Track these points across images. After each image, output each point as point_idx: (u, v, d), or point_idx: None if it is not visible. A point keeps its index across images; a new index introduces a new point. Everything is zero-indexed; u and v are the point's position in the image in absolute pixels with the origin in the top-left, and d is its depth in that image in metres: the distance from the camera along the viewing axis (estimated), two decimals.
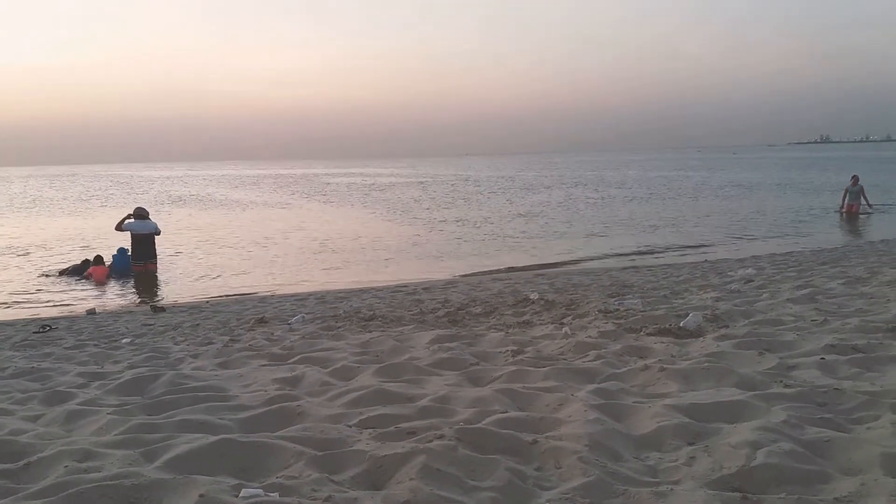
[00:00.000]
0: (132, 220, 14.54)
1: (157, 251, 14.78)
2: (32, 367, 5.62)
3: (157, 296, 12.48)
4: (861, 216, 21.11)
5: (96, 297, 12.32)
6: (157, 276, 14.35)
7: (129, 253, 14.52)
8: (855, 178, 21.93)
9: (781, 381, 4.11)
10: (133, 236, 14.45)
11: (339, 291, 11.76)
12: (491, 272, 13.14)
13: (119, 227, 14.55)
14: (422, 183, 52.43)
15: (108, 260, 14.64)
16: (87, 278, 13.87)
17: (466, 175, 65.70)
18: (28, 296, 12.38)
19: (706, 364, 4.49)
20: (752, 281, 9.20)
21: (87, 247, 16.52)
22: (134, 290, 13.26)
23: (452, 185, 49.52)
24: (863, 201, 21.43)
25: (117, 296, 12.60)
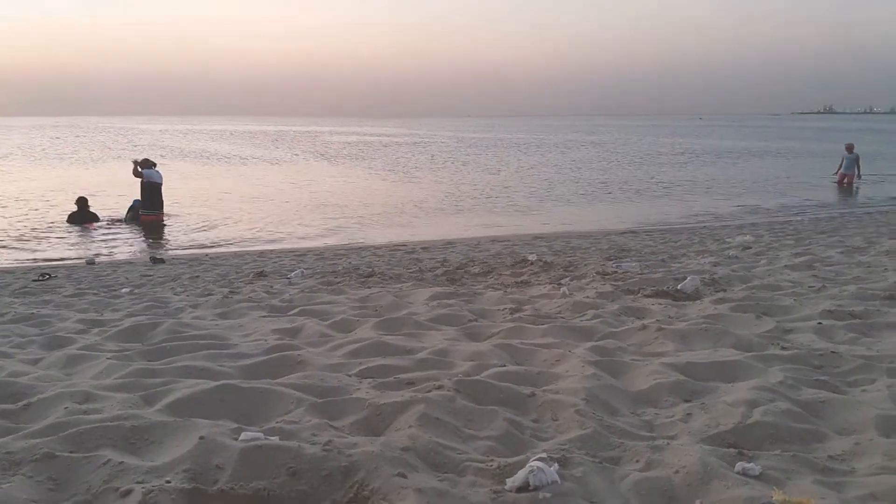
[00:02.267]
0: (143, 170, 14.58)
1: None
2: (32, 314, 5.62)
3: (162, 246, 12.52)
4: (854, 187, 21.10)
5: (97, 247, 12.30)
6: (163, 226, 14.38)
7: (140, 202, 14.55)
8: (850, 146, 21.80)
9: (778, 344, 4.14)
10: (147, 185, 14.49)
11: (338, 248, 11.76)
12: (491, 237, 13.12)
13: (138, 174, 14.52)
14: (421, 143, 52.04)
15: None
16: (87, 228, 13.87)
17: (472, 137, 65.17)
18: (29, 244, 12.36)
19: (703, 325, 4.51)
20: (750, 248, 9.21)
21: (93, 195, 16.43)
22: (143, 239, 13.30)
23: (455, 145, 49.20)
24: (856, 171, 21.39)
25: (118, 246, 12.59)
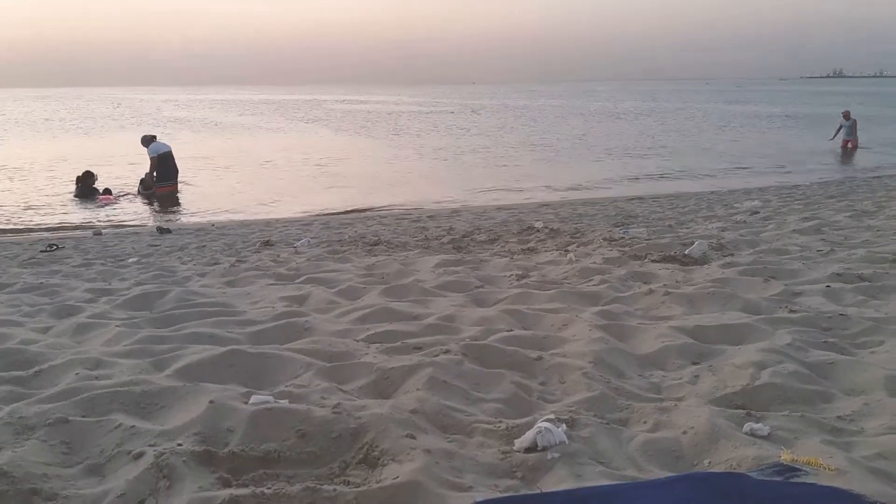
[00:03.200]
0: (147, 147, 14.52)
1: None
2: (41, 283, 5.65)
3: (169, 216, 12.53)
4: (857, 150, 21.01)
5: (103, 217, 12.32)
6: (178, 196, 14.36)
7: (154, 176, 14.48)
8: (846, 113, 21.67)
9: (786, 307, 4.13)
10: (159, 158, 14.35)
11: (344, 217, 11.74)
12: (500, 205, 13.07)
13: (150, 175, 14.43)
14: (425, 112, 51.67)
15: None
16: (95, 202, 13.86)
17: (482, 104, 64.64)
18: (35, 215, 12.39)
19: (711, 289, 4.50)
20: (758, 213, 9.16)
21: (101, 165, 16.42)
22: (149, 209, 13.32)
23: (470, 113, 48.84)
24: (853, 135, 21.28)
25: (125, 216, 12.61)
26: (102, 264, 7.07)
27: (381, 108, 58.69)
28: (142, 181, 14.68)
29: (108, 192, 14.31)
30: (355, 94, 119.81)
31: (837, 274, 4.86)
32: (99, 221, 11.82)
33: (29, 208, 13.04)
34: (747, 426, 2.51)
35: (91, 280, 5.92)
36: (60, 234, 10.62)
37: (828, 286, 4.56)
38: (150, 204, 13.86)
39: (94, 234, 10.27)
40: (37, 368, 3.14)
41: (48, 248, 8.39)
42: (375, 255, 6.87)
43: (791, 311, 4.01)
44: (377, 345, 3.49)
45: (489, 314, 4.09)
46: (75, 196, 14.18)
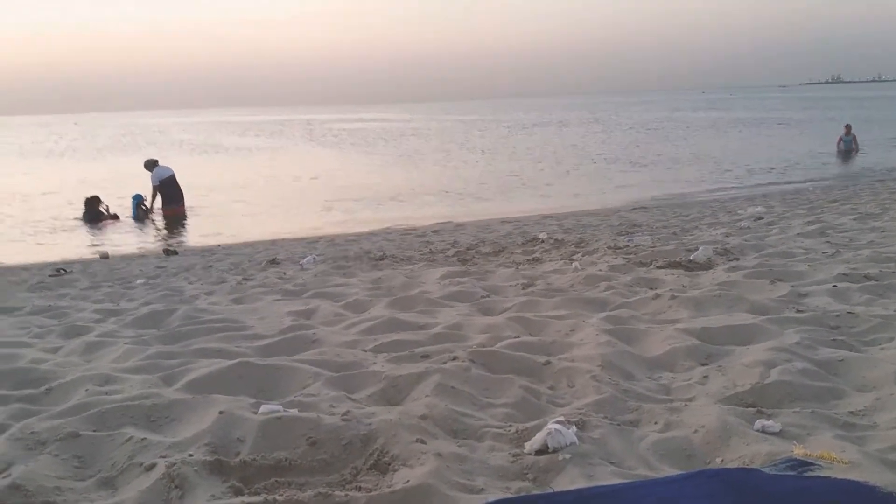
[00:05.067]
0: (151, 172, 14.55)
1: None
2: (49, 306, 5.68)
3: (175, 238, 12.56)
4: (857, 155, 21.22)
5: (110, 241, 12.37)
6: (185, 217, 14.37)
7: (156, 200, 14.49)
8: (848, 128, 21.92)
9: (794, 307, 4.12)
10: (163, 183, 14.36)
11: (349, 235, 11.76)
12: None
13: (153, 197, 14.48)
14: (421, 129, 51.84)
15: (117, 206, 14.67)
16: (100, 227, 13.91)
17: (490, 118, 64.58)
18: (43, 241, 12.45)
19: (718, 292, 4.50)
20: (762, 218, 9.15)
21: (106, 188, 16.46)
22: (155, 232, 13.37)
23: (462, 127, 49.00)
24: (854, 146, 21.57)
25: (131, 240, 12.66)
26: (110, 286, 7.09)
27: (379, 126, 58.75)
28: (135, 206, 14.70)
29: (115, 217, 14.38)
30: (351, 112, 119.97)
31: (844, 274, 4.85)
32: (106, 245, 11.87)
33: (37, 233, 13.11)
34: (758, 423, 2.50)
35: (99, 301, 5.94)
36: (68, 258, 10.66)
37: (834, 286, 4.55)
38: (157, 227, 13.92)
39: (101, 258, 10.30)
40: (47, 386, 3.15)
41: (56, 273, 8.42)
42: (381, 270, 6.89)
43: (798, 311, 4.00)
44: (385, 354, 3.50)
45: (496, 322, 4.09)
46: (82, 220, 14.25)
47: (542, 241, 8.13)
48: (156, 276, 7.82)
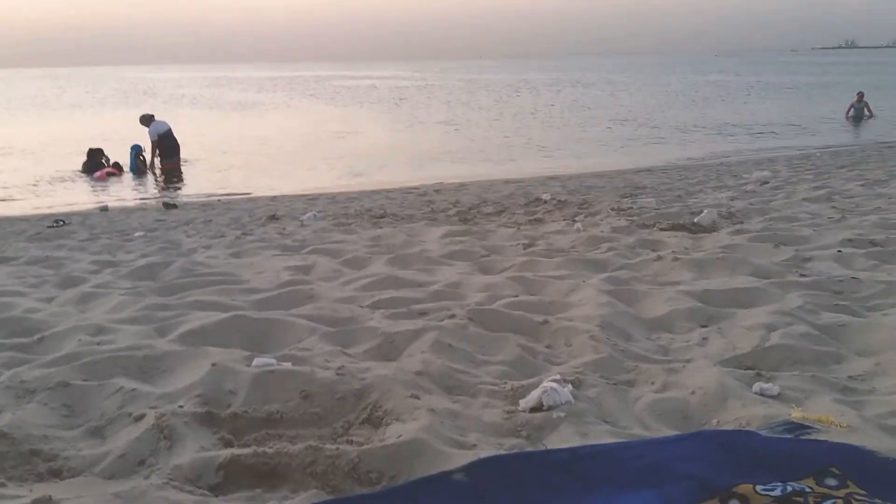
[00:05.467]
0: (147, 127, 14.48)
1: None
2: (46, 256, 5.64)
3: (175, 191, 12.53)
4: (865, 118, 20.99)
5: (109, 194, 12.32)
6: (180, 171, 14.37)
7: (155, 154, 14.48)
8: (860, 95, 21.60)
9: (797, 271, 4.07)
10: (160, 138, 14.36)
11: (351, 192, 11.68)
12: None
13: (153, 152, 14.46)
14: (429, 86, 51.26)
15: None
16: (100, 179, 13.85)
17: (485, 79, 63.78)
18: (42, 192, 12.40)
19: (721, 255, 4.45)
20: (768, 182, 9.06)
21: (109, 140, 16.34)
22: (155, 185, 13.34)
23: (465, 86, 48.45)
24: (866, 113, 21.26)
25: (131, 192, 12.62)
26: (109, 238, 7.05)
27: (384, 84, 58.06)
28: (134, 156, 14.66)
29: (117, 165, 14.31)
30: (357, 70, 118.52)
31: (849, 240, 4.79)
32: (106, 198, 11.82)
33: (37, 184, 13.05)
34: (757, 386, 2.47)
35: (96, 253, 5.91)
36: (67, 209, 10.61)
37: (839, 251, 4.49)
38: (156, 180, 13.87)
39: (101, 210, 10.26)
40: (39, 335, 3.12)
41: (55, 224, 8.38)
42: (381, 227, 6.83)
43: (802, 276, 3.95)
44: (382, 311, 3.46)
45: (495, 281, 4.05)
46: (83, 171, 14.18)
47: (545, 202, 8.05)
48: (154, 229, 7.78)
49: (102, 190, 12.77)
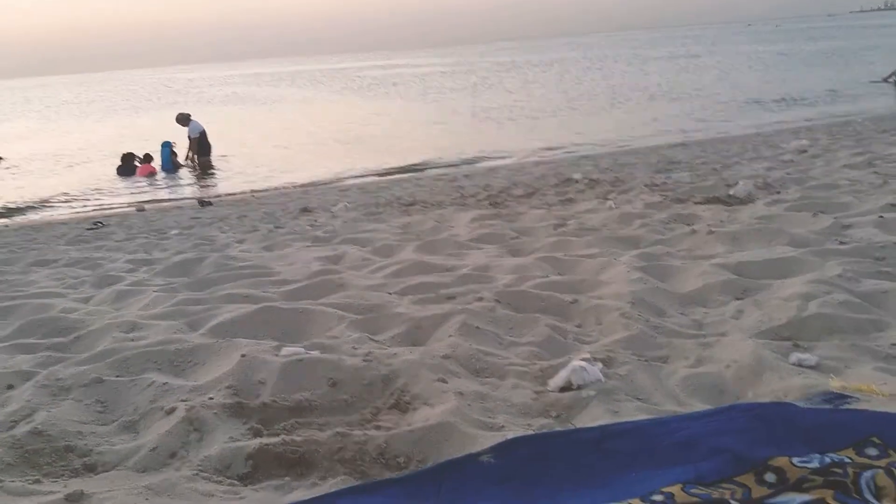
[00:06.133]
0: (187, 126, 14.99)
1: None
2: (85, 258, 5.75)
3: (210, 189, 12.82)
4: None
5: (146, 194, 12.55)
6: (213, 166, 14.81)
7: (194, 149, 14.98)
8: None
9: (836, 239, 3.95)
10: (199, 137, 14.97)
11: (381, 181, 11.71)
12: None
13: (191, 148, 14.98)
14: (452, 72, 50.94)
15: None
16: (136, 180, 14.14)
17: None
18: (81, 196, 12.68)
19: (757, 226, 4.34)
20: (806, 151, 8.81)
21: (148, 140, 16.69)
22: (191, 183, 13.69)
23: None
24: None
25: (167, 192, 12.83)
26: (145, 238, 7.17)
27: (410, 72, 57.82)
28: (169, 154, 15.01)
29: (148, 157, 14.62)
30: (384, 59, 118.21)
31: (891, 205, 4.63)
32: (142, 198, 12.03)
33: (75, 189, 13.33)
34: (794, 357, 2.40)
35: (133, 252, 6.01)
36: (106, 212, 10.83)
37: (881, 217, 4.35)
38: (193, 178, 14.16)
39: (138, 211, 10.44)
40: (76, 335, 3.18)
41: (94, 226, 8.55)
42: (411, 215, 6.82)
43: (841, 243, 3.83)
44: (410, 296, 3.45)
45: (524, 262, 4.00)
46: (118, 174, 14.50)
47: (577, 182, 7.95)
48: (190, 226, 7.89)
49: (140, 191, 13.00)
